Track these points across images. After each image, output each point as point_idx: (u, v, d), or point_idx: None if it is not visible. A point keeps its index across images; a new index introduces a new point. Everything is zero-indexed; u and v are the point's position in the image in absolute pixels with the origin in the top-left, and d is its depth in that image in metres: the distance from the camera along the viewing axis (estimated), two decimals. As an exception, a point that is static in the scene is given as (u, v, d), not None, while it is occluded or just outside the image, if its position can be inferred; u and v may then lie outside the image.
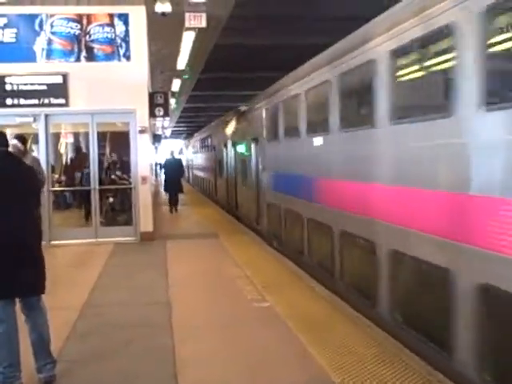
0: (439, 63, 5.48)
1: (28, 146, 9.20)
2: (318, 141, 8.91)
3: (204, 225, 15.28)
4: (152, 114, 13.54)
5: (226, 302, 7.30)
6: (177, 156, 24.11)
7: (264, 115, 12.88)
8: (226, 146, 20.15)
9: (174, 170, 19.88)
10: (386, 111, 6.37)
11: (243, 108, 16.54)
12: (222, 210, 20.42)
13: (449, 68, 5.15)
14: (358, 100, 7.84)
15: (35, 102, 12.12)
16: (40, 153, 12.04)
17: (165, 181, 20.88)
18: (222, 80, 23.10)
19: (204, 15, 11.93)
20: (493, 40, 4.52)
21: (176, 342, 5.78)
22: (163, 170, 22.28)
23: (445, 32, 5.10)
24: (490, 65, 4.50)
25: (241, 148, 16.77)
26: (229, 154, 19.44)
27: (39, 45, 12.16)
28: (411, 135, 5.86)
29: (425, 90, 5.83)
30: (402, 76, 6.32)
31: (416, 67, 5.99)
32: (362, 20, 7.45)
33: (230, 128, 19.05)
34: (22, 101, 12.11)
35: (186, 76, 19.95)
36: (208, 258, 10.49)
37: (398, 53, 6.06)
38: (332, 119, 8.12)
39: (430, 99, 5.69)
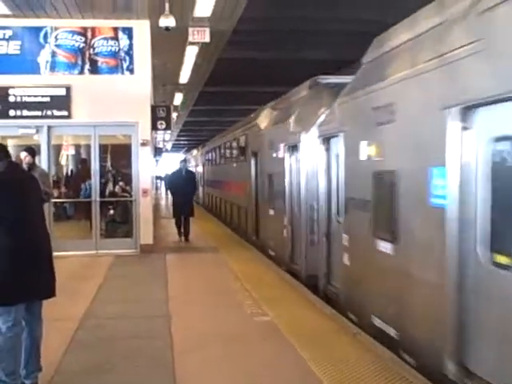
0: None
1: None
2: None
3: (204, 238, 15.27)
4: (154, 127, 13.58)
5: (226, 316, 7.28)
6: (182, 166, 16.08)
7: None
8: (293, 149, 10.55)
9: (184, 187, 14.76)
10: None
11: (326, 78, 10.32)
12: (224, 225, 18.54)
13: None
14: None
15: (38, 113, 12.19)
16: (42, 164, 12.06)
17: (173, 202, 15.81)
18: (225, 94, 23.17)
19: (208, 30, 12.00)
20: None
21: (176, 354, 5.76)
22: (168, 187, 18.03)
23: None
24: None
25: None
26: (299, 163, 10.19)
27: (43, 57, 12.25)
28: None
29: None
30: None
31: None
32: (364, 35, 7.48)
33: (302, 116, 10.46)
34: (25, 112, 12.18)
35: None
36: (208, 272, 10.48)
37: None
38: None
39: None
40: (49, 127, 12.37)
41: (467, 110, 4.53)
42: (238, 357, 5.73)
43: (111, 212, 13.24)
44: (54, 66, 12.31)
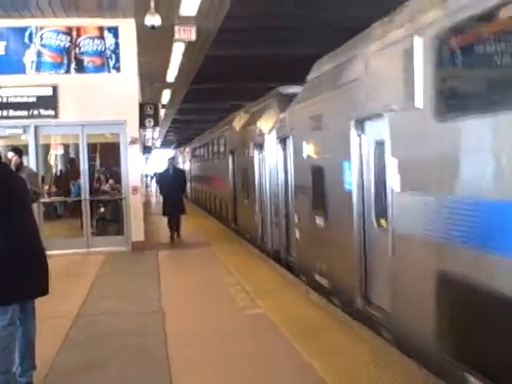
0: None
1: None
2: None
3: (196, 234, 15.29)
4: (142, 125, 13.58)
5: (219, 310, 7.32)
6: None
7: None
8: (260, 147, 12.51)
9: (174, 186, 14.25)
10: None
11: (288, 88, 11.83)
12: (220, 223, 18.15)
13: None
14: None
15: (25, 113, 12.16)
16: (30, 164, 12.03)
17: (164, 201, 14.90)
18: (213, 91, 23.14)
19: (194, 28, 12.00)
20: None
21: (170, 350, 5.79)
22: (158, 186, 16.70)
23: None
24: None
25: (307, 147, 9.12)
26: (257, 160, 12.73)
27: (29, 57, 12.20)
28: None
29: None
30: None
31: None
32: (349, 31, 7.53)
33: (268, 120, 12.16)
34: (12, 112, 12.13)
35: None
36: (200, 267, 10.52)
37: None
38: None
39: None
40: (36, 127, 12.34)
41: (360, 122, 6.63)
42: (232, 350, 5.77)
43: (102, 210, 13.26)
44: (39, 66, 12.27)
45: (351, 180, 6.80)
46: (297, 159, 9.52)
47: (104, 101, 12.04)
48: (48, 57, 12.33)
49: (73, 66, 12.38)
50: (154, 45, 13.69)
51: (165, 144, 59.40)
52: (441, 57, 4.78)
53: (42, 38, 12.27)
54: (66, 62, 12.35)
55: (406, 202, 5.48)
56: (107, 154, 13.71)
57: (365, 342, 5.80)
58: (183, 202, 14.71)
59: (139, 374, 5.22)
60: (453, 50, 4.60)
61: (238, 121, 15.82)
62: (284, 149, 10.64)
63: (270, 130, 11.57)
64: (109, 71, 12.45)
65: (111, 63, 12.45)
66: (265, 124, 12.22)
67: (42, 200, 12.40)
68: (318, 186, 8.23)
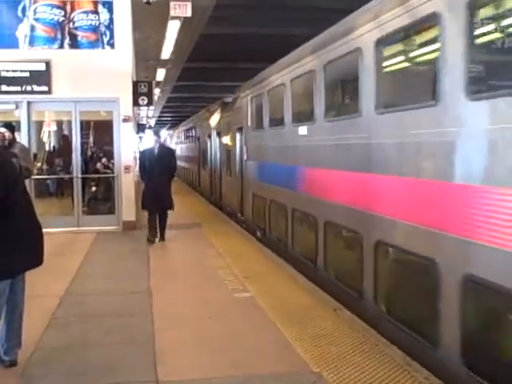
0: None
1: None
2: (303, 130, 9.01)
3: (187, 215, 15.24)
4: (136, 103, 13.46)
5: (207, 292, 7.31)
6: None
7: (250, 104, 12.83)
8: (210, 136, 20.34)
9: (159, 170, 10.89)
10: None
11: (228, 98, 17.86)
12: (205, 200, 20.67)
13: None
14: (342, 90, 8.12)
15: (17, 89, 12.00)
16: (22, 140, 11.92)
17: (145, 189, 11.39)
18: (209, 70, 22.99)
19: (189, 4, 11.84)
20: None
21: (156, 331, 5.78)
22: (139, 168, 12.18)
23: None
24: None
25: (225, 138, 16.80)
26: (213, 144, 19.63)
27: (22, 31, 12.03)
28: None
29: None
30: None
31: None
32: (345, 12, 7.45)
33: (215, 118, 19.12)
34: (4, 87, 11.98)
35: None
36: (190, 248, 10.50)
37: None
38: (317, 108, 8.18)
39: None
40: (28, 103, 12.20)
41: (239, 129, 14.02)
42: (219, 333, 5.77)
43: (93, 189, 13.17)
44: (32, 41, 12.11)
45: (236, 155, 14.56)
46: (222, 145, 17.57)
47: (97, 77, 11.91)
48: (41, 31, 12.16)
49: (66, 41, 12.22)
50: (149, 21, 13.54)
51: (160, 123, 59.10)
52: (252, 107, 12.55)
53: (35, 12, 12.09)
54: (59, 36, 12.19)
55: (249, 165, 13.00)
56: (100, 132, 13.60)
57: (352, 329, 5.80)
58: (170, 193, 11.26)
59: (124, 354, 5.21)
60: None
61: (202, 117, 24.15)
62: (219, 138, 18.08)
63: (214, 127, 19.35)
64: (103, 47, 12.31)
65: (105, 39, 12.30)
66: (212, 122, 19.78)
67: (35, 177, 12.33)
68: (228, 159, 16.27)
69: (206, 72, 23.47)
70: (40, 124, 13.23)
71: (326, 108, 7.99)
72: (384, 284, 6.34)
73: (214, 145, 19.35)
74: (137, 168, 13.55)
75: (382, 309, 6.28)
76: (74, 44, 12.25)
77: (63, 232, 11.91)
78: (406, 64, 6.33)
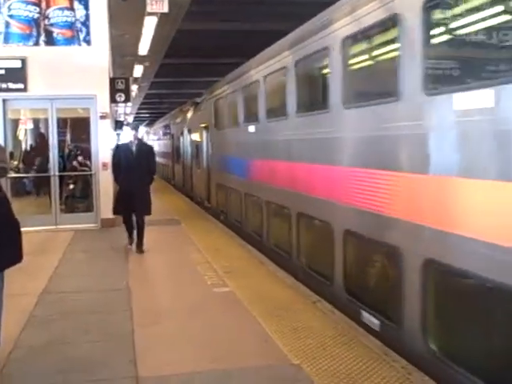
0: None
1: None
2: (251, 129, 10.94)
3: (165, 210, 15.18)
4: (113, 100, 13.38)
5: (187, 288, 7.31)
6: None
7: (213, 106, 15.06)
8: (182, 133, 22.41)
9: (137, 170, 9.61)
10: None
11: (198, 99, 19.26)
12: (181, 194, 21.57)
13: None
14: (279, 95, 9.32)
15: (-8, 86, 11.87)
16: (-2, 139, 11.82)
17: (119, 191, 10.12)
18: (186, 66, 22.91)
19: (166, 0, 11.79)
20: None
21: (136, 327, 5.77)
22: (113, 167, 10.62)
23: None
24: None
25: (195, 135, 18.81)
26: (185, 140, 21.62)
27: (-4, 28, 11.89)
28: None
29: None
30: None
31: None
32: (326, 5, 7.46)
33: (186, 117, 21.28)
34: (-21, 85, 11.85)
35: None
36: (169, 244, 10.48)
37: None
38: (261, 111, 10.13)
39: None
40: (4, 100, 12.07)
41: (205, 127, 16.30)
42: (199, 328, 5.78)
43: (71, 186, 13.06)
44: (7, 38, 11.97)
45: (204, 150, 16.59)
46: (192, 141, 19.48)
47: (74, 74, 11.81)
48: (16, 28, 12.03)
49: (42, 38, 12.10)
50: (125, 17, 13.44)
51: (138, 120, 58.74)
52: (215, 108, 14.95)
53: (10, 9, 11.96)
54: (35, 33, 12.07)
55: (214, 159, 15.11)
56: (78, 130, 13.47)
57: (331, 321, 5.85)
58: (149, 197, 9.91)
59: (104, 351, 5.20)
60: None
61: (175, 116, 26.28)
62: (190, 135, 20.02)
63: (185, 125, 21.25)
64: (79, 44, 12.21)
65: (81, 36, 12.20)
66: (184, 120, 21.91)
67: (11, 175, 12.21)
68: (197, 154, 18.09)
69: (183, 68, 23.38)
70: (16, 122, 13.06)
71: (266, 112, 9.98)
72: (303, 242, 8.51)
73: (186, 141, 21.29)
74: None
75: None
76: (50, 41, 12.13)
77: (41, 231, 11.80)
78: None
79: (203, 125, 16.53)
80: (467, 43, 4.75)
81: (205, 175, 16.69)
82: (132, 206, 9.55)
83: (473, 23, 4.61)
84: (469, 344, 4.68)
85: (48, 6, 12.08)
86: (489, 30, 4.40)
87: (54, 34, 12.14)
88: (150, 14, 12.58)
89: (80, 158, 13.05)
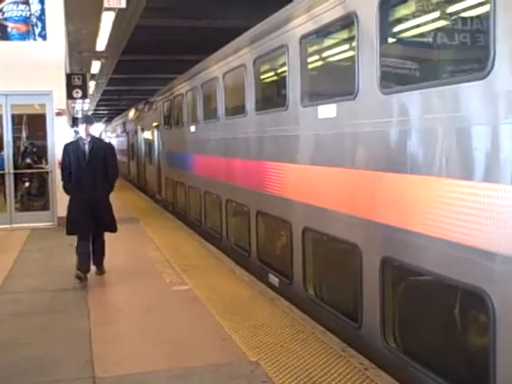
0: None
1: None
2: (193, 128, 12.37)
3: (122, 208, 15.01)
4: (70, 96, 13.17)
5: (145, 286, 7.27)
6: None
7: (162, 107, 16.78)
8: (136, 131, 24.08)
9: (94, 173, 7.44)
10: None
11: (151, 99, 20.32)
12: (137, 190, 22.61)
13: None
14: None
15: None
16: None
17: (70, 204, 7.66)
18: (145, 62, 22.73)
19: (123, -5, 11.66)
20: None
21: (93, 326, 5.72)
22: (61, 172, 8.22)
23: None
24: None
25: (147, 133, 20.64)
26: (138, 138, 23.32)
27: None
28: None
29: None
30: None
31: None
32: (287, 2, 7.49)
33: (139, 116, 23.07)
34: None
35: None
36: (128, 242, 10.36)
37: None
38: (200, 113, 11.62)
39: None
40: (-44, 96, 11.78)
41: (156, 126, 17.97)
42: (157, 326, 5.76)
43: (26, 184, 12.82)
44: (-41, 32, 11.68)
45: (155, 147, 18.02)
46: (145, 139, 20.98)
47: (29, 70, 11.58)
48: (-32, 22, 11.74)
49: (-5, 32, 11.84)
50: (82, 12, 13.25)
51: (96, 116, 57.91)
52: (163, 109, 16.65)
53: (-39, 2, 11.66)
54: (-12, 28, 11.79)
55: (163, 155, 16.76)
56: (34, 126, 13.22)
57: (290, 319, 5.89)
58: (111, 209, 7.90)
59: (60, 351, 5.13)
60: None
61: (130, 114, 27.23)
62: (143, 133, 21.51)
63: (139, 123, 22.70)
64: (34, 39, 11.99)
65: (37, 31, 11.98)
66: (138, 119, 23.26)
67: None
68: (149, 150, 19.72)
69: (142, 64, 23.20)
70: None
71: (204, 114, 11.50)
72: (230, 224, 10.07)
73: (140, 139, 22.87)
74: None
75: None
76: (4, 35, 11.89)
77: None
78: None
79: (155, 124, 18.12)
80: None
81: (156, 170, 18.59)
82: (90, 221, 7.42)
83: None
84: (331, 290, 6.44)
85: (2, 0, 11.82)
86: None
87: (9, 29, 11.91)
88: (108, 9, 12.43)
89: (34, 156, 12.80)
